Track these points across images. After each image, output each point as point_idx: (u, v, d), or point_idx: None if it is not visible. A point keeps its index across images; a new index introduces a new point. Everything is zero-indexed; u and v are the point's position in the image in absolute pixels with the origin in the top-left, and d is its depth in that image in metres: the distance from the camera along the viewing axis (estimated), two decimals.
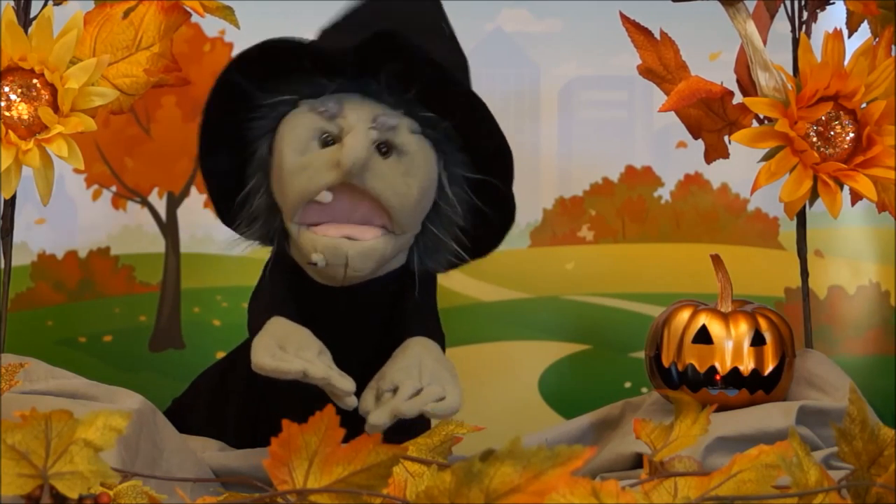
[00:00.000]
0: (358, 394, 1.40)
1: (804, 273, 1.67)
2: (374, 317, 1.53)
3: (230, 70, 1.48)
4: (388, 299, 1.53)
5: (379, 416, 1.38)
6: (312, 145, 1.46)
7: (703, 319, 1.57)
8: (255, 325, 1.47)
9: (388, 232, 1.47)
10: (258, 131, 1.50)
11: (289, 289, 1.50)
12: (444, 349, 1.51)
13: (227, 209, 1.54)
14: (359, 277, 1.48)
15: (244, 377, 1.57)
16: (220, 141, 1.50)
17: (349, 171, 1.42)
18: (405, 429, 1.41)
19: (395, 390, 1.41)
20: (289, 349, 1.40)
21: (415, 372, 1.43)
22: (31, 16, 1.52)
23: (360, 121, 1.45)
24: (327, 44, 1.48)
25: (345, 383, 1.38)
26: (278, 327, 1.44)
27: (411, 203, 1.47)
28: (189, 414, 1.61)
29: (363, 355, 1.47)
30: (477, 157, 1.50)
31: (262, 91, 1.48)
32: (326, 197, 1.45)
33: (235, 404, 1.59)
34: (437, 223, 1.51)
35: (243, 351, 1.60)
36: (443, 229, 1.51)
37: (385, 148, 1.46)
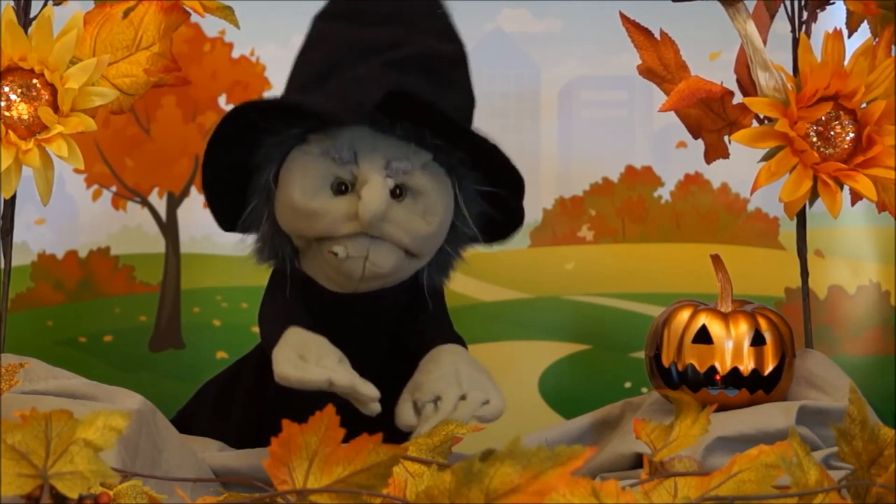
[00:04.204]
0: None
1: (804, 273, 1.67)
2: (386, 326, 1.53)
3: (238, 110, 1.47)
4: (399, 309, 1.53)
5: (432, 428, 1.38)
6: (324, 191, 1.45)
7: (703, 319, 1.57)
8: (269, 335, 1.46)
9: (407, 254, 1.47)
10: (265, 158, 1.48)
11: (302, 300, 1.50)
12: None
13: (230, 225, 1.54)
14: (374, 282, 1.48)
15: (250, 387, 1.57)
16: (225, 165, 1.49)
17: (369, 224, 1.42)
18: None
19: (436, 400, 1.41)
20: (309, 358, 1.39)
21: (453, 379, 1.42)
22: (31, 16, 1.52)
23: (374, 170, 1.43)
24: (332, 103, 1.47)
25: (369, 389, 1.38)
26: (297, 337, 1.43)
27: (430, 238, 1.47)
28: (193, 424, 1.61)
29: (374, 364, 1.46)
30: (489, 173, 1.50)
31: (271, 124, 1.47)
32: (343, 253, 1.44)
33: (240, 415, 1.59)
34: (453, 242, 1.51)
35: (249, 361, 1.60)
36: (456, 246, 1.52)
37: (400, 191, 1.45)
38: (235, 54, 2.00)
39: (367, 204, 1.41)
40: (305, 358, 1.39)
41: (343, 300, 1.50)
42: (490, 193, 1.49)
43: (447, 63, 1.49)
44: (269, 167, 1.48)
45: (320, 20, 1.53)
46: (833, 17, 1.63)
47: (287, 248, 1.50)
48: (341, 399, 1.37)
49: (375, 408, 1.38)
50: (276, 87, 1.93)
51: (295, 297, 1.50)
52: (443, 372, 1.43)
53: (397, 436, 1.38)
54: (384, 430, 1.30)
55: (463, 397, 1.40)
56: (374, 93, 1.41)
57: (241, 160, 1.49)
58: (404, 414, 1.41)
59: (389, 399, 1.43)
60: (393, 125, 1.44)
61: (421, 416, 1.40)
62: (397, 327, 1.53)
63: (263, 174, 1.49)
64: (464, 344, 1.51)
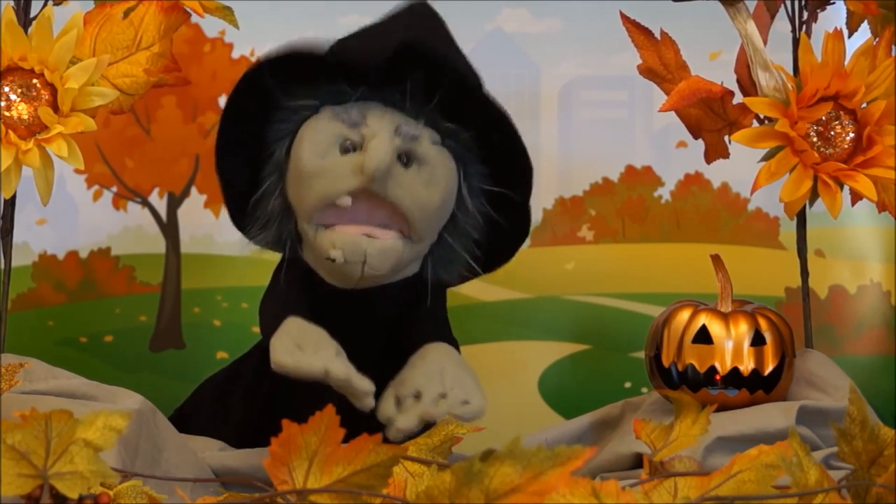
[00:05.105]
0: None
1: (804, 273, 1.67)
2: (385, 323, 1.53)
3: (256, 70, 1.48)
4: (400, 307, 1.53)
5: (407, 421, 1.38)
6: (333, 151, 1.46)
7: (703, 319, 1.57)
8: (268, 327, 1.46)
9: (406, 237, 1.47)
10: (277, 134, 1.50)
11: (302, 291, 1.50)
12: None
13: (240, 212, 1.55)
14: (374, 279, 1.48)
15: (249, 386, 1.57)
16: (239, 141, 1.50)
17: (372, 176, 1.43)
18: None
19: (417, 396, 1.41)
20: (307, 349, 1.40)
21: (437, 377, 1.43)
22: (31, 16, 1.52)
23: (382, 128, 1.45)
24: (351, 51, 1.48)
25: (364, 383, 1.38)
26: (295, 327, 1.44)
27: (431, 212, 1.47)
28: (191, 422, 1.61)
29: (372, 360, 1.47)
30: (496, 169, 1.50)
31: (285, 94, 1.48)
32: (346, 201, 1.45)
33: (238, 413, 1.59)
34: (454, 234, 1.51)
35: (248, 360, 1.60)
36: (459, 241, 1.52)
37: (406, 158, 1.46)
38: (235, 55, 2.00)
39: (373, 154, 1.42)
40: (303, 347, 1.39)
41: (343, 295, 1.50)
42: (497, 198, 1.50)
43: (457, 49, 1.50)
44: (282, 142, 1.50)
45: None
46: (833, 17, 1.63)
47: (292, 230, 1.51)
48: (342, 399, 1.37)
49: (369, 402, 1.38)
50: None
51: (295, 289, 1.50)
52: (427, 369, 1.44)
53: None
54: (384, 430, 1.30)
55: (444, 395, 1.41)
56: (390, 45, 1.42)
57: (254, 141, 1.49)
58: (384, 407, 1.41)
59: None
60: (403, 100, 1.45)
61: (400, 409, 1.41)
62: (396, 325, 1.53)
63: (276, 150, 1.50)
64: (457, 346, 1.52)
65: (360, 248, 1.45)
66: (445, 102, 1.46)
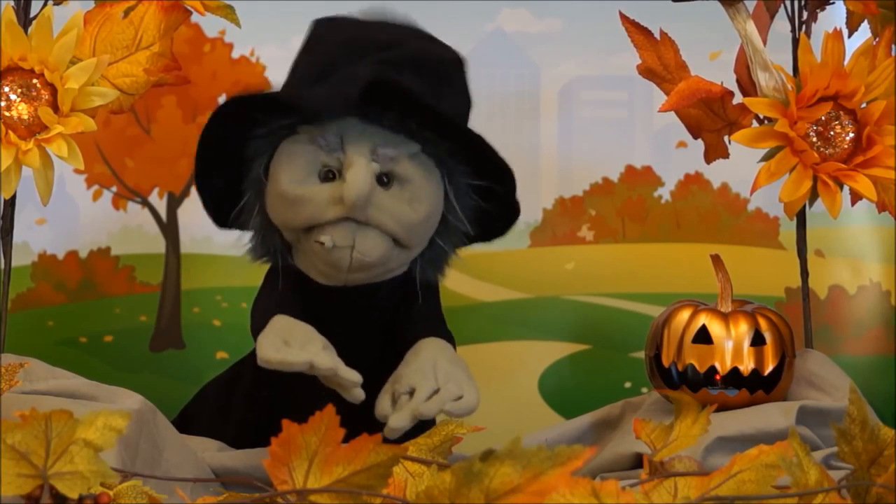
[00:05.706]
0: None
1: (804, 273, 1.67)
2: (378, 321, 1.53)
3: (227, 105, 1.48)
4: (392, 305, 1.53)
5: (400, 419, 1.38)
6: (312, 178, 1.46)
7: (703, 319, 1.57)
8: (257, 325, 1.47)
9: (396, 245, 1.47)
10: (254, 151, 1.49)
11: (293, 294, 1.50)
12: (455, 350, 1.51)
13: (223, 223, 1.55)
14: (364, 275, 1.48)
15: (249, 389, 1.57)
16: (218, 157, 1.50)
17: (353, 207, 1.43)
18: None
19: (411, 392, 1.41)
20: (293, 343, 1.40)
21: (430, 373, 1.43)
22: (31, 16, 1.52)
23: (360, 154, 1.44)
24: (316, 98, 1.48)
25: (352, 374, 1.38)
26: (282, 324, 1.44)
27: (417, 228, 1.47)
28: (193, 424, 1.61)
29: (366, 359, 1.46)
30: (479, 167, 1.50)
31: (261, 112, 1.48)
32: (329, 243, 1.45)
33: (239, 416, 1.59)
34: (445, 236, 1.51)
35: (248, 362, 1.60)
36: (449, 241, 1.52)
37: (386, 178, 1.46)
38: (235, 54, 2.00)
39: (351, 185, 1.42)
40: (289, 343, 1.40)
41: (335, 293, 1.50)
42: (484, 189, 1.50)
43: (444, 64, 1.50)
44: (260, 159, 1.49)
45: (320, 23, 1.53)
46: (833, 17, 1.63)
47: (278, 242, 1.51)
48: (341, 399, 1.37)
49: (358, 394, 1.38)
50: (277, 87, 1.93)
51: (287, 291, 1.50)
52: (420, 364, 1.44)
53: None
54: (384, 430, 1.30)
55: (437, 391, 1.41)
56: (359, 84, 1.41)
57: (233, 154, 1.49)
58: (380, 404, 1.41)
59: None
60: (381, 116, 1.45)
61: (395, 406, 1.41)
62: (390, 322, 1.53)
63: (254, 167, 1.49)
64: (452, 340, 1.52)
65: (349, 233, 1.45)
66: (420, 127, 1.46)
